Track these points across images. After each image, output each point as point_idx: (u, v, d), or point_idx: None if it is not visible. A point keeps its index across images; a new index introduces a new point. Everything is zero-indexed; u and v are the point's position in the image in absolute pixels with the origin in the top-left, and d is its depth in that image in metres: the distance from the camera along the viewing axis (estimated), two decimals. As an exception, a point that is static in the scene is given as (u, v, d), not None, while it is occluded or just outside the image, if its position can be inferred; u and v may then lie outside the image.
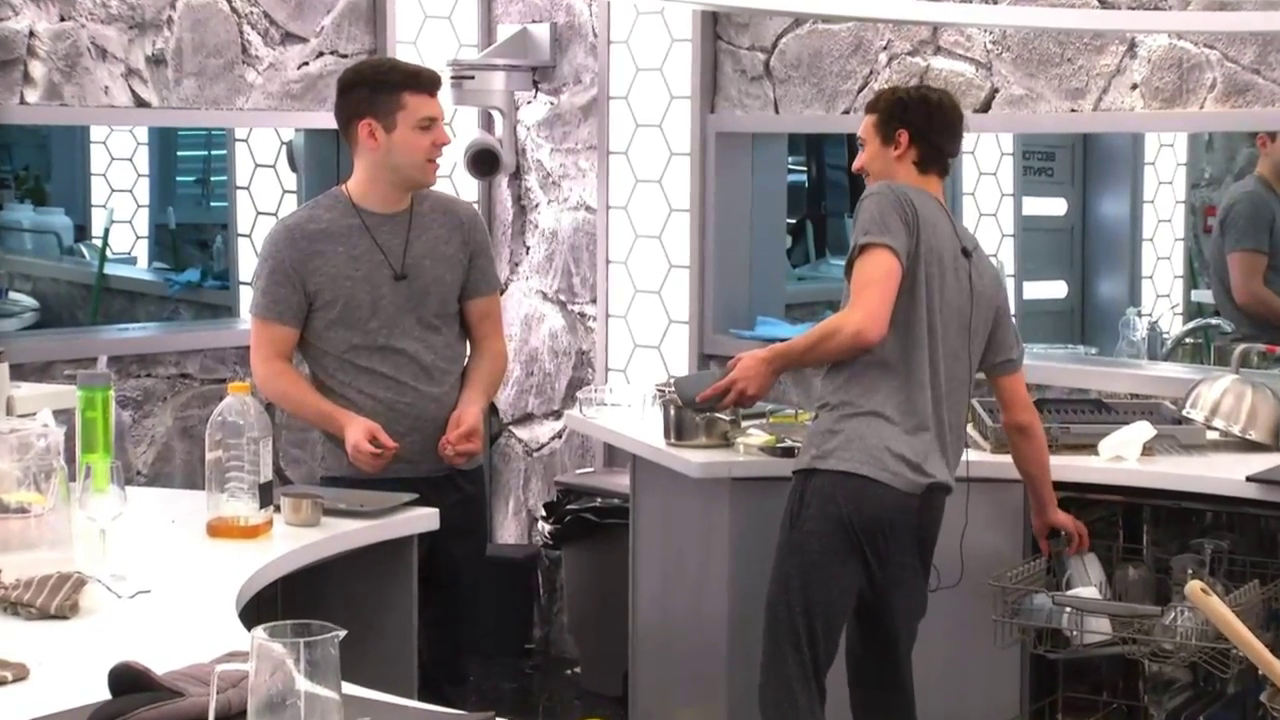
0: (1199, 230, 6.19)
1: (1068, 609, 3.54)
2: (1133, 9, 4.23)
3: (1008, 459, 3.77)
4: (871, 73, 4.67)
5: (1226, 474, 3.58)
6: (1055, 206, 6.35)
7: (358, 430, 3.44)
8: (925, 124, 3.43)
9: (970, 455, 3.86)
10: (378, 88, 3.51)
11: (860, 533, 3.28)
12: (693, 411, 3.83)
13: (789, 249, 6.57)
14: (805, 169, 7.44)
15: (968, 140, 5.95)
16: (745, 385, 3.38)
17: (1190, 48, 4.18)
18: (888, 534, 3.30)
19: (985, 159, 6.02)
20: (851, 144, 7.03)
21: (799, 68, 4.83)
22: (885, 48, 4.66)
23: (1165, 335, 5.42)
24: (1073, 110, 4.38)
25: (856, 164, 3.54)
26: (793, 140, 5.76)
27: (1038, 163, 6.24)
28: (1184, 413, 3.91)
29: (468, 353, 3.71)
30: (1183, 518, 3.82)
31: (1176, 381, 4.20)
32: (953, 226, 3.42)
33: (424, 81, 3.53)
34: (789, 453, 3.85)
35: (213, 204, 7.80)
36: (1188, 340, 5.28)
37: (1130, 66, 4.27)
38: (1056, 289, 6.35)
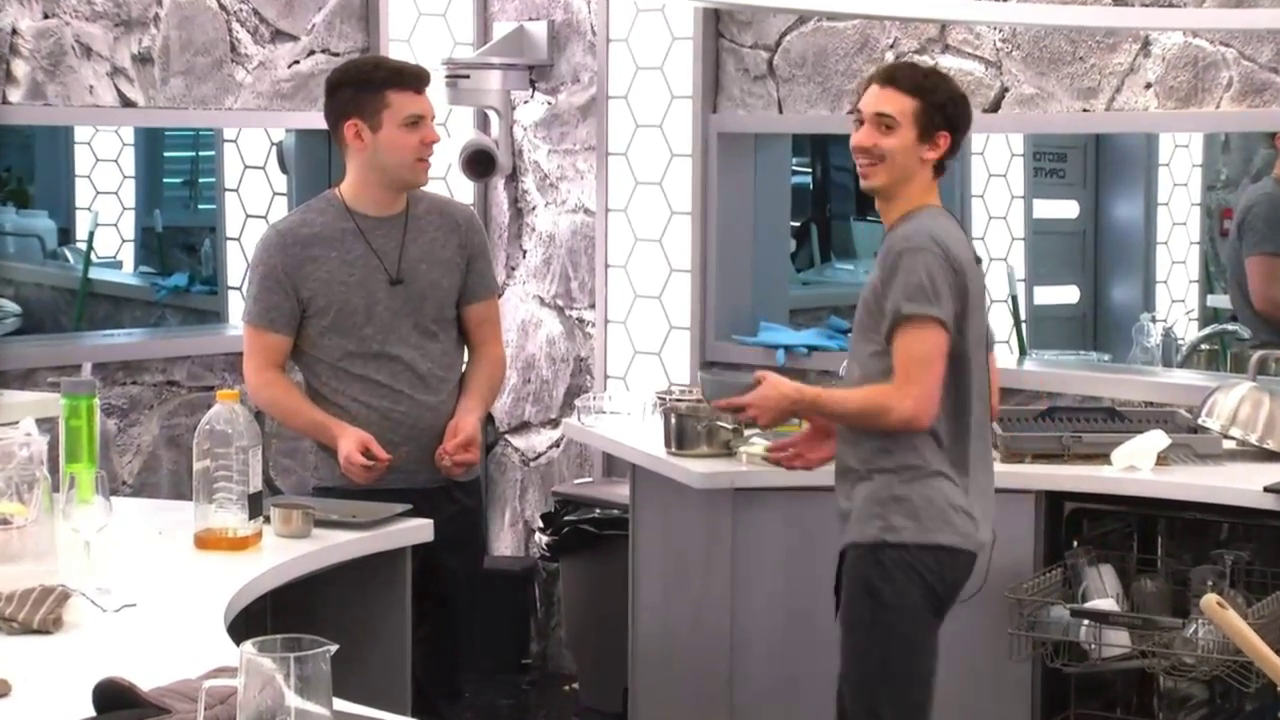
0: (1215, 233, 6.19)
1: (1086, 621, 3.53)
2: (1146, 6, 4.23)
3: (1018, 468, 3.78)
4: (878, 71, 4.67)
5: (1244, 484, 3.58)
6: (1067, 209, 6.35)
7: (350, 441, 3.44)
8: (965, 129, 3.21)
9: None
10: (361, 87, 3.51)
11: (945, 599, 3.20)
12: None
13: (793, 253, 6.57)
14: (810, 170, 7.44)
15: (977, 141, 6.03)
16: (758, 414, 3.20)
17: (1206, 46, 4.18)
18: (957, 594, 3.23)
19: (995, 160, 6.02)
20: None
21: (803, 66, 4.83)
22: (892, 46, 4.66)
23: (1180, 341, 5.42)
24: (1085, 110, 4.38)
25: (867, 140, 3.16)
26: (797, 141, 5.76)
27: (1049, 164, 6.24)
28: (1200, 421, 3.91)
29: (465, 359, 3.71)
30: (1198, 529, 3.82)
31: (1192, 389, 4.20)
32: (968, 239, 3.30)
33: (408, 78, 3.52)
34: (793, 462, 3.85)
35: (201, 207, 7.80)
36: (1203, 346, 5.27)
37: (1144, 65, 4.27)
38: (1068, 294, 6.35)
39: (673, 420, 3.98)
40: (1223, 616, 2.28)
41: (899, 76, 3.19)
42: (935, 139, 3.15)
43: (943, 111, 3.15)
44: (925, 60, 4.58)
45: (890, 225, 3.20)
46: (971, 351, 3.15)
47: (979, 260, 3.30)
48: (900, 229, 3.15)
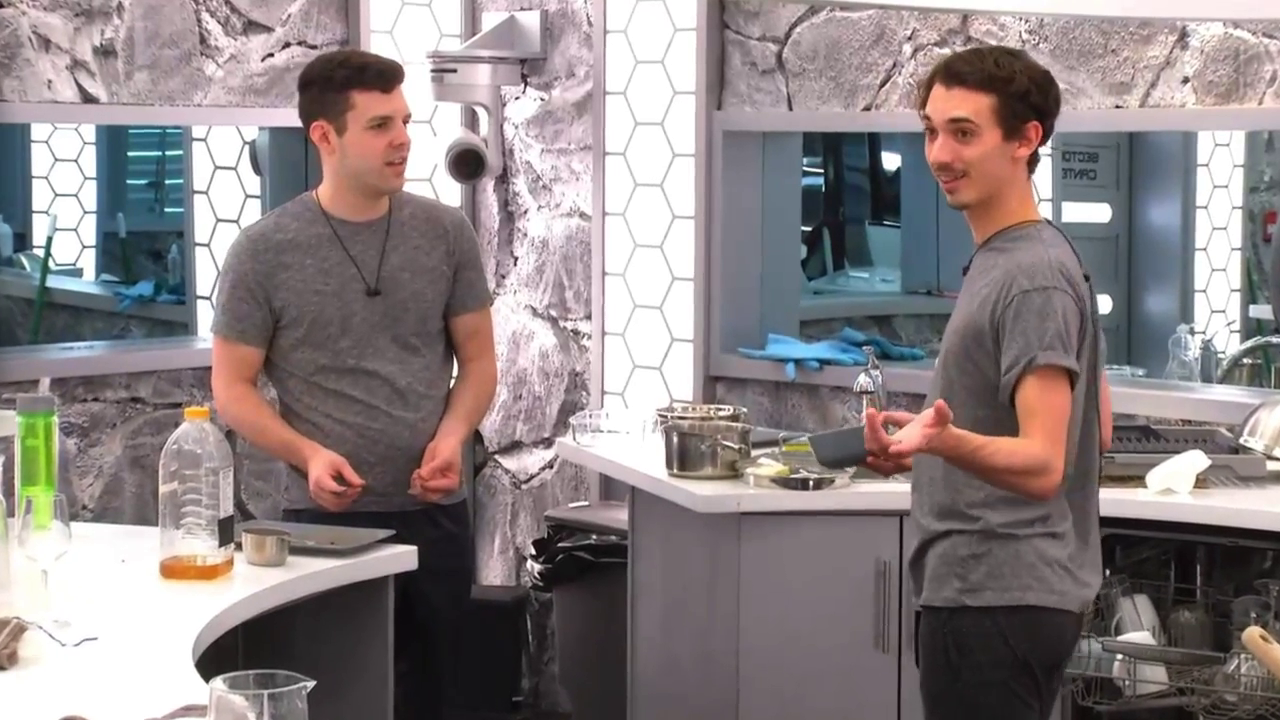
0: (1258, 239, 6.19)
1: (1119, 656, 3.53)
2: (1183, -5, 4.24)
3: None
4: (895, 65, 4.69)
5: (1288, 508, 3.57)
6: (1099, 213, 6.35)
7: (321, 465, 3.44)
8: (1054, 111, 2.96)
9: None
10: (325, 86, 3.53)
11: (1039, 669, 2.97)
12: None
13: (804, 260, 6.58)
14: (822, 171, 7.45)
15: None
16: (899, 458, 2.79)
17: (1248, 37, 4.19)
18: (1061, 664, 3.05)
19: (1021, 160, 6.03)
20: (874, 143, 7.09)
21: (815, 60, 4.85)
22: (910, 38, 4.67)
23: (1220, 355, 5.42)
24: (1117, 107, 4.39)
25: (946, 155, 2.93)
26: (808, 140, 5.77)
27: (1079, 164, 6.24)
28: (1241, 441, 3.91)
29: (453, 375, 3.72)
30: (1241, 557, 3.81)
31: (1233, 406, 4.20)
32: (1079, 258, 3.06)
33: (372, 76, 3.52)
34: (804, 484, 3.86)
35: (167, 210, 7.80)
36: (1245, 360, 5.28)
37: (1181, 58, 4.28)
38: (1101, 304, 6.34)
39: (674, 439, 3.99)
40: (1266, 650, 2.29)
41: (965, 71, 2.93)
42: (1024, 132, 2.93)
43: (1026, 100, 2.91)
44: (945, 53, 4.59)
45: (985, 241, 3.00)
46: (1086, 388, 2.99)
47: (1088, 278, 3.05)
48: (1017, 256, 2.93)
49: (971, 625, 2.95)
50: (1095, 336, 3.02)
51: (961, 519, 2.97)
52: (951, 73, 2.94)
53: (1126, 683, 3.56)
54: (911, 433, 2.77)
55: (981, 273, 2.99)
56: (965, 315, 2.98)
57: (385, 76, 3.53)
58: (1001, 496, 2.93)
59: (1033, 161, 2.98)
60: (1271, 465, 3.87)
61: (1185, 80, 4.29)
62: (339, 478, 3.44)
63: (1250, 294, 6.19)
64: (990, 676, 2.95)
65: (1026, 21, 4.47)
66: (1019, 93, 2.91)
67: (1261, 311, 5.86)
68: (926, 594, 3.01)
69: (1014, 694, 2.96)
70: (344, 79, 3.50)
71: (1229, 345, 5.84)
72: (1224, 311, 6.20)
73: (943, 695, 3.02)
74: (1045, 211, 6.06)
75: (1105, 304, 6.36)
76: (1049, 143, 3.04)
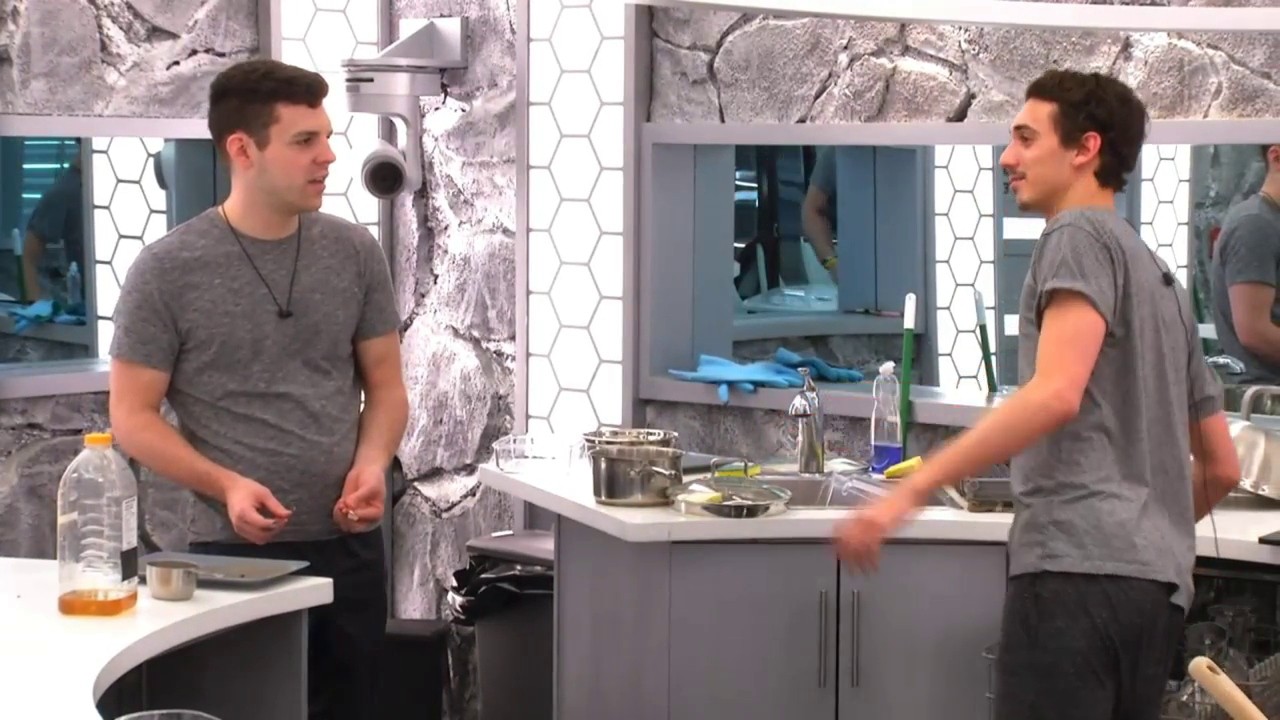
0: (1205, 256, 6.26)
1: None
2: (1127, 4, 4.29)
3: (988, 518, 3.80)
4: (830, 75, 4.72)
5: (1237, 535, 3.60)
6: (1041, 229, 6.41)
7: (243, 496, 3.43)
8: (1123, 129, 3.26)
9: (946, 515, 3.90)
10: (247, 97, 3.51)
11: (1120, 644, 3.12)
12: None
13: (737, 278, 6.60)
14: (755, 186, 7.48)
15: (940, 153, 6.09)
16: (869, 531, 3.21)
17: (1192, 48, 4.24)
18: (1145, 640, 3.15)
19: (960, 174, 6.08)
20: (809, 156, 7.12)
21: (747, 70, 4.87)
22: (846, 47, 4.70)
23: (1167, 376, 5.46)
24: (1060, 119, 4.43)
25: (1008, 157, 3.31)
26: (741, 153, 5.80)
27: (1021, 179, 6.29)
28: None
29: (362, 401, 3.71)
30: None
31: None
32: (1150, 253, 3.31)
33: (299, 89, 3.52)
34: (738, 511, 3.87)
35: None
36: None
37: (1125, 69, 4.33)
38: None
39: (603, 465, 3.99)
40: (1215, 682, 2.31)
41: (1043, 83, 3.31)
42: (1082, 142, 3.24)
43: (1084, 109, 3.23)
44: (883, 63, 4.63)
45: None
46: (1139, 345, 3.17)
47: (1169, 279, 3.30)
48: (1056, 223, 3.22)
49: (1052, 592, 3.11)
50: (1154, 315, 3.20)
51: (1036, 490, 3.17)
52: (1034, 86, 3.32)
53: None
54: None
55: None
56: (1022, 293, 3.24)
57: (313, 90, 3.53)
58: (1070, 462, 3.12)
59: (1109, 175, 3.26)
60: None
61: (1129, 92, 4.33)
62: (263, 509, 3.42)
63: (1198, 312, 6.26)
64: (1068, 643, 3.10)
65: (966, 31, 4.51)
66: (1076, 102, 3.23)
67: (1209, 331, 5.93)
68: (1013, 565, 3.19)
69: (1089, 669, 3.10)
70: (270, 90, 3.49)
71: (1176, 366, 5.89)
72: (1170, 331, 6.25)
73: (1017, 666, 3.16)
74: (986, 227, 6.17)
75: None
76: (1126, 167, 3.30)
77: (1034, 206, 3.30)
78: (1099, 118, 3.24)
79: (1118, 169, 3.28)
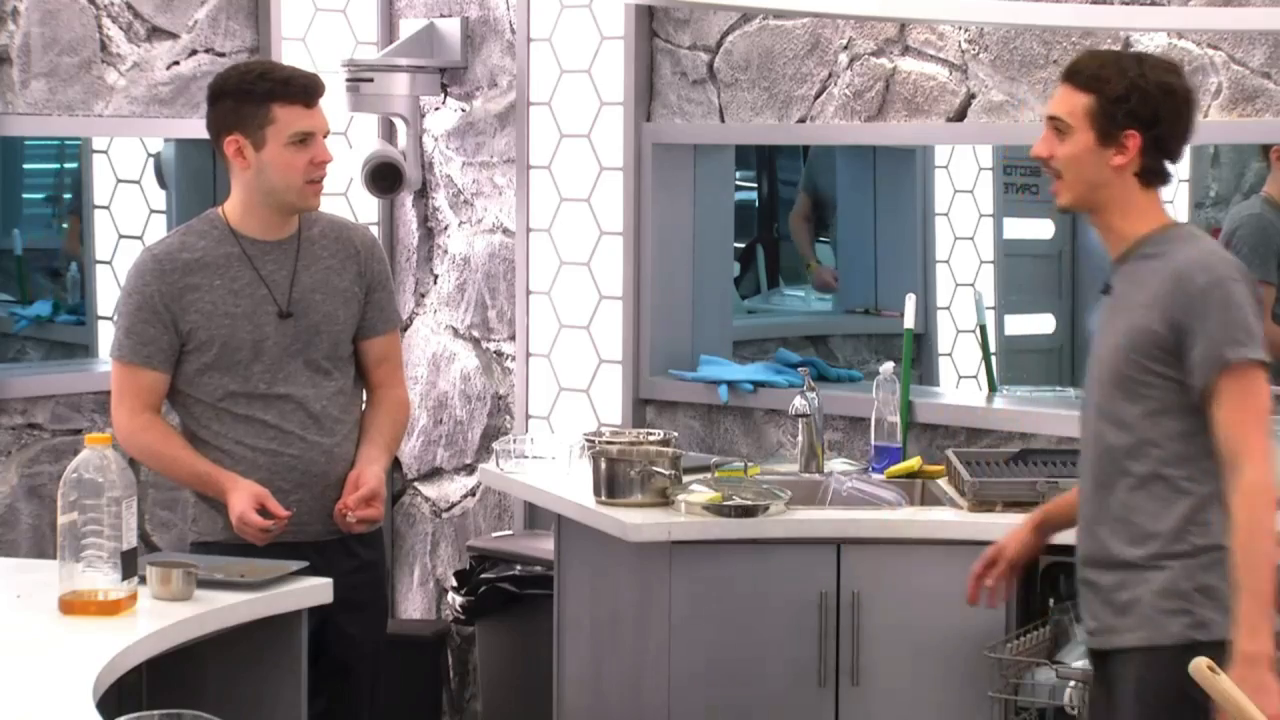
0: (1204, 256, 6.27)
1: (1072, 683, 3.57)
2: (1127, 4, 4.30)
3: (987, 518, 3.81)
4: (830, 75, 4.73)
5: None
6: (1041, 229, 6.42)
7: (244, 498, 3.43)
8: (1168, 128, 2.97)
9: (946, 515, 3.91)
10: (243, 98, 3.51)
11: None
12: None
13: (737, 278, 6.61)
14: (755, 186, 7.49)
15: (940, 153, 6.10)
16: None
17: (1192, 48, 4.25)
18: None
19: (960, 175, 6.09)
20: (809, 156, 7.12)
21: (747, 70, 4.88)
22: (846, 47, 4.71)
23: (1167, 376, 5.46)
24: (1060, 119, 4.44)
25: (1040, 149, 3.02)
26: (741, 153, 5.80)
27: (1021, 179, 6.31)
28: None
29: (364, 401, 3.71)
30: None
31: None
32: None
33: (295, 90, 3.52)
34: (738, 511, 3.87)
35: (66, 226, 7.74)
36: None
37: (1124, 69, 4.33)
38: (1044, 323, 6.42)
39: (603, 465, 3.99)
40: (1214, 682, 2.32)
41: (1080, 68, 3.00)
42: (1121, 141, 2.95)
43: (1123, 105, 2.93)
44: (883, 63, 4.64)
45: (1123, 256, 3.02)
46: None
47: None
48: (1178, 256, 2.94)
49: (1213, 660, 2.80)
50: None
51: (1171, 555, 2.92)
52: (1070, 69, 3.00)
53: (1078, 710, 3.59)
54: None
55: (1134, 285, 2.98)
56: (1128, 330, 2.95)
57: (309, 90, 3.53)
58: (1201, 522, 2.89)
59: (1151, 175, 2.99)
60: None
61: (1129, 92, 4.34)
62: (263, 511, 3.43)
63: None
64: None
65: (966, 31, 4.52)
66: (1115, 96, 2.93)
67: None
68: (1145, 633, 2.93)
69: None
70: (265, 91, 3.49)
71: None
72: (1171, 331, 6.26)
73: None
74: (986, 227, 6.18)
75: (1048, 323, 6.43)
76: (1166, 163, 3.02)
77: (1075, 209, 3.07)
78: (1140, 115, 2.94)
79: (1161, 169, 3.00)
